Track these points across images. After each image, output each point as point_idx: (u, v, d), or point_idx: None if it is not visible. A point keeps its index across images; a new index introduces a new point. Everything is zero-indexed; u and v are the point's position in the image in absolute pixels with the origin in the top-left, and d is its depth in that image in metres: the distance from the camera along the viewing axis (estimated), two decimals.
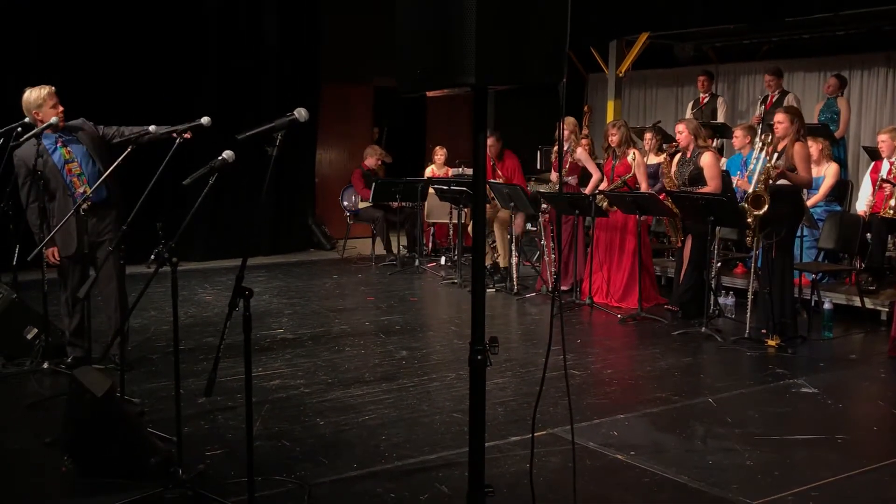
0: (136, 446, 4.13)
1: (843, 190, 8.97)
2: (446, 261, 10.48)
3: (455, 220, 9.95)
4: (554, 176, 8.93)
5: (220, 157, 3.92)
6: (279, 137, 3.20)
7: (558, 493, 4.02)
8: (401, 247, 10.90)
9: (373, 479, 4.24)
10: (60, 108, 5.61)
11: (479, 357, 2.66)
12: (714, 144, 9.84)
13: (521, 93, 8.55)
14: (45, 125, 5.41)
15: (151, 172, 4.39)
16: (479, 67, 2.27)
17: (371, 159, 11.09)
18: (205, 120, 4.78)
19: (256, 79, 11.09)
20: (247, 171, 10.12)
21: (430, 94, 2.61)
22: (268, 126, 3.24)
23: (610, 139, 8.33)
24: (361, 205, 10.79)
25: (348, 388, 5.71)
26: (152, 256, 3.83)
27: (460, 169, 10.89)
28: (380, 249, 10.82)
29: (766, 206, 6.65)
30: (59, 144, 5.69)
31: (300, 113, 3.32)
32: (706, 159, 7.64)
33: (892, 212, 7.53)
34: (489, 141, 9.15)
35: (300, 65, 11.49)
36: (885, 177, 7.83)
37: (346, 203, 11.01)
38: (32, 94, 5.62)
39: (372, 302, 8.56)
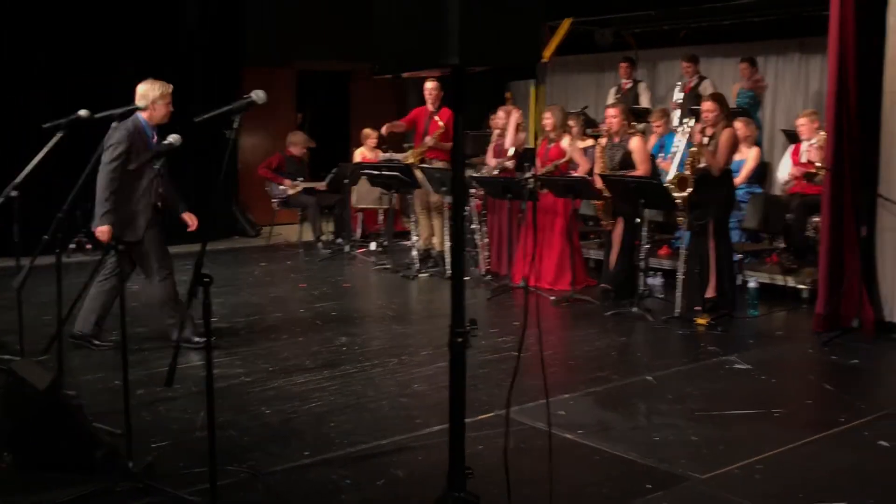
0: (82, 440, 4.02)
1: (762, 172, 9.24)
2: (377, 246, 10.44)
3: (385, 206, 9.90)
4: (491, 161, 8.94)
5: (166, 142, 3.83)
6: (237, 120, 3.13)
7: (511, 473, 4.04)
8: (328, 233, 10.81)
9: (326, 465, 4.21)
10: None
11: (459, 340, 2.67)
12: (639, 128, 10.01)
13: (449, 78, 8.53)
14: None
15: (77, 157, 4.25)
16: (462, 48, 2.25)
17: (296, 147, 10.91)
18: (141, 102, 4.65)
19: (177, 62, 10.81)
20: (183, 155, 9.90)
21: (406, 75, 2.59)
22: (225, 108, 3.16)
23: (544, 122, 8.41)
24: (290, 191, 10.61)
25: (290, 375, 5.65)
26: (72, 245, 3.73)
27: (388, 154, 10.81)
28: (308, 236, 10.69)
29: (690, 189, 6.83)
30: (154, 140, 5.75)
31: (258, 95, 3.25)
32: (634, 143, 7.78)
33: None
34: (432, 85, 9.06)
35: (222, 47, 11.26)
36: (808, 158, 8.10)
37: (274, 191, 10.78)
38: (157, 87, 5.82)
39: (304, 289, 8.47)
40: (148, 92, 5.75)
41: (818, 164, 7.62)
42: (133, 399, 5.01)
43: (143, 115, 5.72)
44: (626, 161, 7.74)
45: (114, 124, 4.44)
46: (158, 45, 10.61)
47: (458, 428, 2.72)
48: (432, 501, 2.96)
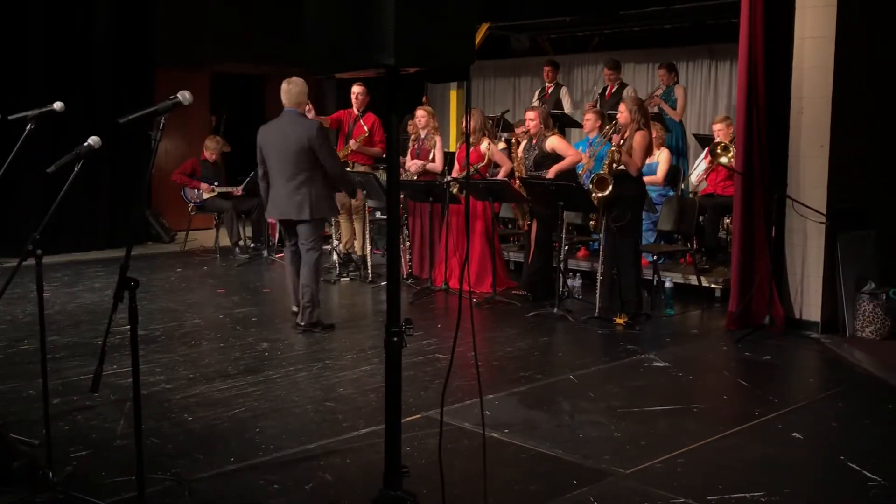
0: None
1: (675, 175, 9.48)
2: None
3: None
4: (410, 164, 8.95)
5: (85, 144, 3.73)
6: (163, 121, 3.08)
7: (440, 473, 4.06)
8: (246, 238, 10.66)
9: (253, 471, 4.16)
10: None
11: (394, 339, 2.67)
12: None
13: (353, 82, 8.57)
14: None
15: None
16: (398, 48, 2.26)
17: (210, 152, 10.70)
18: (57, 105, 4.51)
19: (88, 63, 10.56)
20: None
21: (339, 76, 2.58)
22: (151, 109, 3.11)
23: (463, 126, 8.47)
24: (206, 195, 10.41)
25: (212, 382, 5.56)
26: None
27: None
28: (225, 241, 10.52)
29: (610, 189, 6.97)
30: None
31: (184, 96, 3.20)
32: (554, 142, 7.92)
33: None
34: (359, 89, 9.05)
35: (134, 49, 11.02)
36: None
37: (189, 195, 10.55)
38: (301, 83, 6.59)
39: (223, 295, 8.35)
40: (300, 91, 6.54)
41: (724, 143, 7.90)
42: (49, 408, 4.90)
43: (300, 110, 6.59)
44: (542, 161, 7.86)
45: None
46: (70, 47, 10.34)
47: (394, 425, 2.72)
48: (368, 501, 2.95)
